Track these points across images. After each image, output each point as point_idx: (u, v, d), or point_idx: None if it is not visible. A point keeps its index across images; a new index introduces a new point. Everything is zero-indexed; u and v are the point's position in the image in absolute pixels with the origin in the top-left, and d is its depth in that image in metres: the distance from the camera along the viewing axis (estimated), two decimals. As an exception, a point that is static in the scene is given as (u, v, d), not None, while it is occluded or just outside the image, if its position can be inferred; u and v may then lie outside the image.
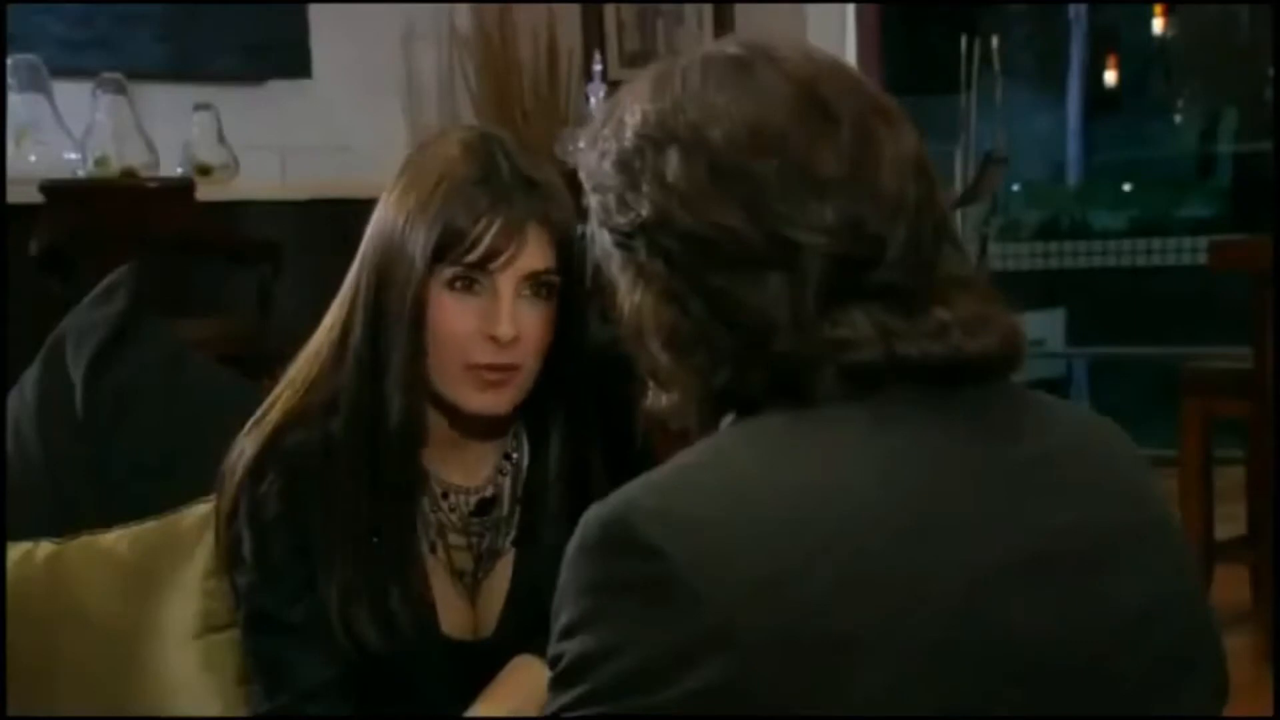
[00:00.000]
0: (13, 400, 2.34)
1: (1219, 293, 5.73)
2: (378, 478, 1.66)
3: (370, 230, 1.66)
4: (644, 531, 1.01)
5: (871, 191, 1.09)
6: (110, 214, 3.73)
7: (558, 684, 1.04)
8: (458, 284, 1.61)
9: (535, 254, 1.61)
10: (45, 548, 2.07)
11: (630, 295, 1.15)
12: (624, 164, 1.14)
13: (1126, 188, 12.52)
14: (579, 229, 1.63)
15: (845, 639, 0.99)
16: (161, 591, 1.97)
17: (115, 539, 2.06)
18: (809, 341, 1.07)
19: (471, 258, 1.59)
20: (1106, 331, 10.37)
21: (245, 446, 1.69)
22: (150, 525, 2.02)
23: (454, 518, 1.72)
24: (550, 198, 1.63)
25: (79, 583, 2.03)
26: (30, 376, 2.35)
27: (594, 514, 1.04)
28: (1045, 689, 1.04)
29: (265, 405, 1.72)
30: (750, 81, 1.12)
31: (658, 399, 1.17)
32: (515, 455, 1.75)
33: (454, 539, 1.72)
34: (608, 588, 1.02)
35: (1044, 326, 10.37)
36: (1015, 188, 11.70)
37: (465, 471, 1.73)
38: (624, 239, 1.14)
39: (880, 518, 1.03)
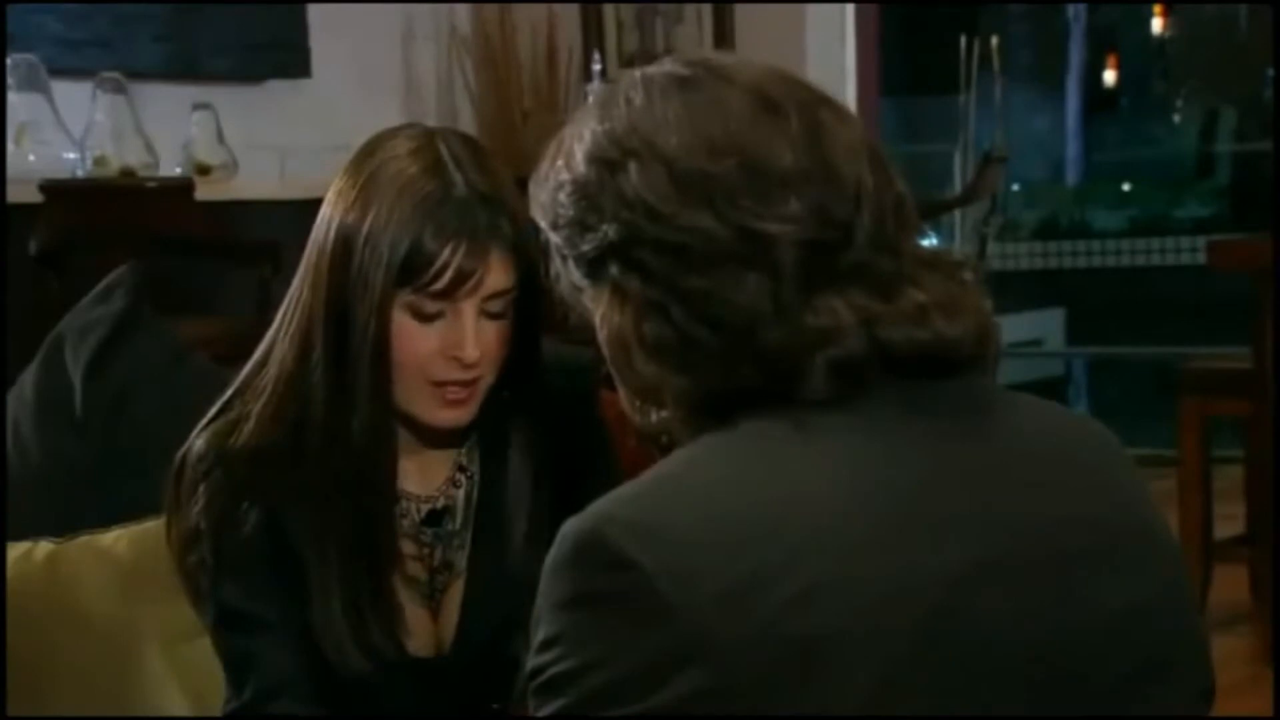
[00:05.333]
0: (12, 400, 2.34)
1: (1218, 293, 5.73)
2: (351, 497, 1.64)
3: (322, 241, 1.62)
4: (617, 544, 1.01)
5: (832, 179, 1.10)
6: (109, 214, 3.73)
7: (539, 694, 1.05)
8: (421, 310, 1.58)
9: (500, 276, 1.59)
10: (44, 547, 2.07)
11: (609, 319, 1.14)
12: (581, 189, 1.13)
13: (1125, 187, 12.53)
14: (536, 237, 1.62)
15: (824, 642, 0.99)
16: (160, 591, 1.97)
17: (114, 539, 2.06)
18: (792, 331, 1.07)
19: (438, 286, 1.56)
20: (1106, 331, 10.38)
21: (203, 450, 1.66)
22: (149, 525, 2.02)
23: (404, 524, 1.70)
24: (507, 211, 1.59)
25: (78, 582, 2.03)
26: (30, 376, 2.35)
27: (570, 527, 1.04)
28: (1023, 688, 1.04)
29: (219, 406, 1.68)
30: (695, 92, 1.12)
31: (647, 416, 1.16)
32: (470, 469, 1.74)
33: (405, 546, 1.70)
34: (583, 601, 1.02)
35: (1043, 326, 10.38)
36: (1015, 187, 11.71)
37: (417, 478, 1.71)
38: (593, 265, 1.14)
39: (857, 520, 1.03)
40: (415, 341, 1.59)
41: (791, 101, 1.12)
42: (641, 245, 1.10)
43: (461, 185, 1.58)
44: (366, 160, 1.62)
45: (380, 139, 1.64)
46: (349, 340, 1.60)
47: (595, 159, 1.13)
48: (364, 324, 1.58)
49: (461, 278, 1.56)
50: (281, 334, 1.66)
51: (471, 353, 1.58)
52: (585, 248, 1.14)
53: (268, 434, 1.64)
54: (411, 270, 1.56)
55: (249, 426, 1.65)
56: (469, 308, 1.58)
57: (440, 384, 1.61)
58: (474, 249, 1.57)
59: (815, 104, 1.13)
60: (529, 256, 1.58)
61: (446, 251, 1.56)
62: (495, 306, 1.60)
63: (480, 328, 1.59)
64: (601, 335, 1.16)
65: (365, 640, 1.65)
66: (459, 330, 1.58)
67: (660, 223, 1.09)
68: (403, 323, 1.59)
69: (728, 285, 1.08)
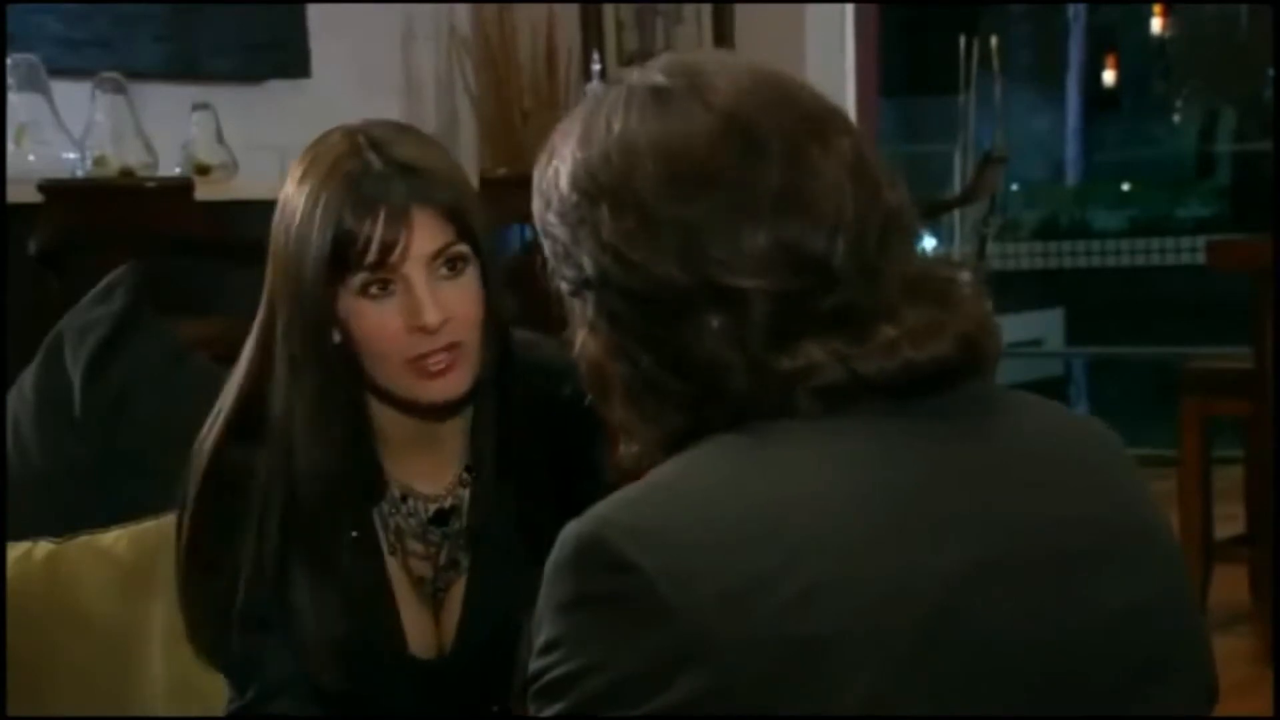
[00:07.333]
0: (12, 399, 2.34)
1: (1218, 293, 5.74)
2: (341, 497, 1.65)
3: (271, 245, 1.64)
4: (617, 547, 1.02)
5: (806, 213, 1.08)
6: (109, 214, 3.73)
7: (539, 698, 1.05)
8: (370, 289, 1.59)
9: (428, 235, 1.59)
10: (44, 547, 2.07)
11: (586, 346, 1.16)
12: (564, 216, 1.14)
13: (1125, 187, 12.55)
14: (474, 197, 1.63)
15: (824, 643, 0.99)
16: (160, 591, 1.97)
17: (114, 539, 2.06)
18: (763, 378, 1.07)
19: (369, 259, 1.57)
20: (1106, 331, 10.39)
21: (208, 451, 1.68)
22: (149, 525, 2.02)
23: (412, 523, 1.71)
24: (429, 177, 1.60)
25: (77, 582, 2.03)
26: (29, 376, 2.35)
27: (570, 530, 1.05)
28: (1023, 689, 1.04)
29: (230, 411, 1.70)
30: (672, 117, 1.11)
31: (628, 448, 1.17)
32: (475, 469, 1.74)
33: (412, 545, 1.71)
34: (584, 604, 1.03)
35: (1043, 326, 10.39)
36: (1014, 187, 11.73)
37: (427, 477, 1.72)
38: (573, 291, 1.15)
39: (856, 521, 1.03)
40: (378, 323, 1.59)
41: (772, 128, 1.10)
42: (612, 291, 1.11)
43: (377, 162, 1.59)
44: (297, 166, 1.65)
45: (312, 144, 1.66)
46: (296, 341, 1.61)
47: (576, 189, 1.13)
48: (309, 319, 1.60)
49: (387, 247, 1.57)
50: (255, 337, 1.68)
51: (431, 317, 1.58)
52: (568, 272, 1.14)
53: (251, 433, 1.66)
54: (342, 251, 1.57)
55: (272, 433, 1.66)
56: (415, 273, 1.58)
57: (418, 359, 1.60)
58: (393, 215, 1.57)
59: (800, 129, 1.11)
60: (462, 212, 1.60)
61: (366, 225, 1.57)
62: (447, 260, 1.60)
63: (441, 289, 1.59)
64: (580, 358, 1.17)
65: (358, 648, 1.65)
66: (413, 299, 1.58)
67: (628, 269, 1.09)
68: (359, 307, 1.59)
69: (694, 336, 1.08)
